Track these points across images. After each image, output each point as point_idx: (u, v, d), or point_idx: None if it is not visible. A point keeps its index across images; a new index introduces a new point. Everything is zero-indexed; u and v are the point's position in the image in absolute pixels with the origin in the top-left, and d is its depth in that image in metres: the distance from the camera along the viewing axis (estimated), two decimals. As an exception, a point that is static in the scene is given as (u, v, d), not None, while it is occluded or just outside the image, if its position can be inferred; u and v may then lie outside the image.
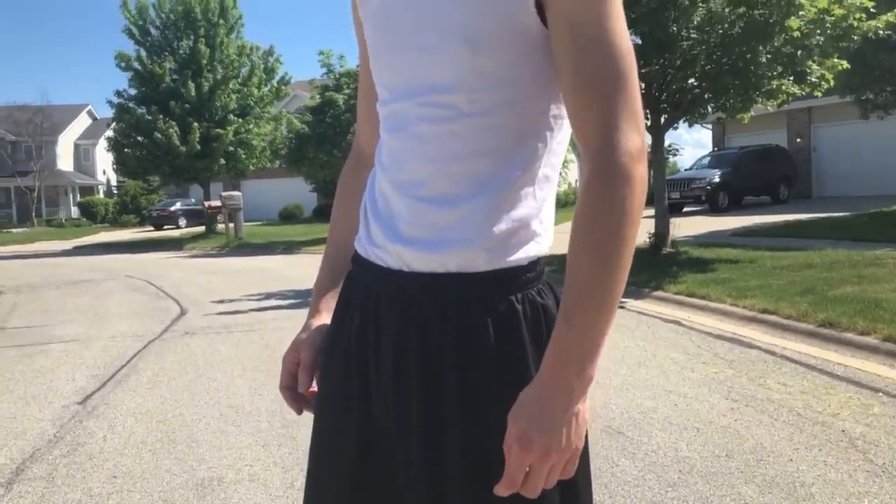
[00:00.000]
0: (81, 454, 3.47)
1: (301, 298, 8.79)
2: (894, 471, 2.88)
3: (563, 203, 28.67)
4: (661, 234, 10.22)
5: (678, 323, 6.18)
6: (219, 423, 3.86)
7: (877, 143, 19.27)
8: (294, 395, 1.14)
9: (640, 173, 0.87)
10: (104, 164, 48.14)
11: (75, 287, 11.55)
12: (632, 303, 7.22)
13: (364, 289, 1.05)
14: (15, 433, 3.87)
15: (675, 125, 10.74)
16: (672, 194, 18.90)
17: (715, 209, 19.02)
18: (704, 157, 22.19)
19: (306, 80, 37.15)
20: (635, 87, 0.90)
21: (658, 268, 8.74)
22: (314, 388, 1.12)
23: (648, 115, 10.19)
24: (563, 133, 1.00)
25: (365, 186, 1.14)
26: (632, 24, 9.35)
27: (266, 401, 4.24)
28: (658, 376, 4.47)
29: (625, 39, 0.89)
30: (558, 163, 1.02)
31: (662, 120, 10.19)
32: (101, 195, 48.74)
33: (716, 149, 22.67)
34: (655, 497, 2.73)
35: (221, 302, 8.76)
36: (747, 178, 19.80)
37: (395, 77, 1.03)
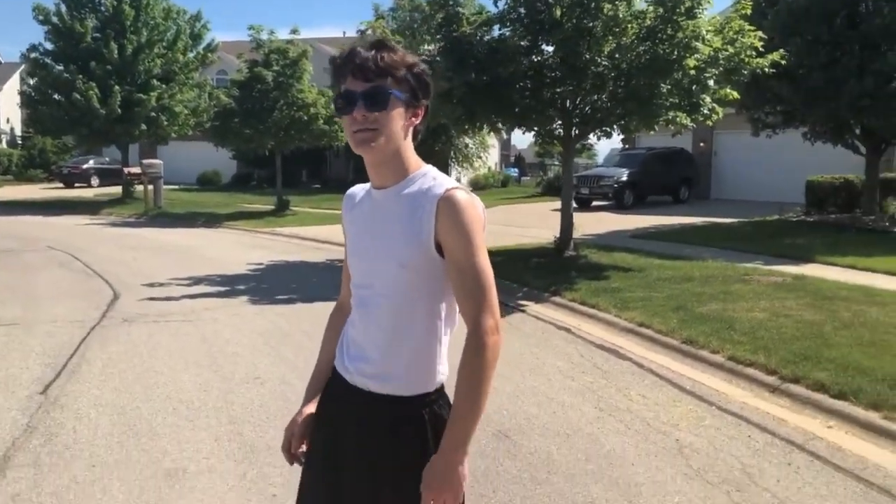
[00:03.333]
0: (58, 444, 4.08)
1: (228, 286, 9.35)
2: (705, 474, 3.86)
3: (482, 186, 30.24)
4: (565, 238, 11.23)
5: (569, 331, 7.15)
6: (173, 418, 4.53)
7: (768, 155, 21.01)
8: (289, 453, 1.91)
9: (494, 341, 1.66)
10: (8, 112, 45.78)
11: (-3, 258, 11.67)
12: (532, 307, 8.18)
13: (338, 394, 1.83)
14: (-13, 421, 4.42)
15: (586, 138, 11.76)
16: (582, 190, 20.19)
17: (621, 206, 20.39)
18: (616, 154, 23.57)
19: (231, 42, 36.65)
20: (492, 291, 1.69)
21: (559, 272, 9.72)
22: (303, 449, 1.90)
23: (561, 128, 11.15)
24: (453, 310, 1.79)
25: (343, 327, 1.90)
26: (551, 46, 10.28)
27: (212, 397, 4.92)
28: (544, 384, 5.39)
29: (486, 266, 1.69)
30: (451, 328, 1.81)
31: (574, 133, 11.14)
32: (4, 145, 46.52)
33: (626, 147, 24.06)
34: (527, 493, 3.61)
35: (152, 286, 9.22)
36: (652, 178, 21.31)
37: (357, 273, 1.82)
